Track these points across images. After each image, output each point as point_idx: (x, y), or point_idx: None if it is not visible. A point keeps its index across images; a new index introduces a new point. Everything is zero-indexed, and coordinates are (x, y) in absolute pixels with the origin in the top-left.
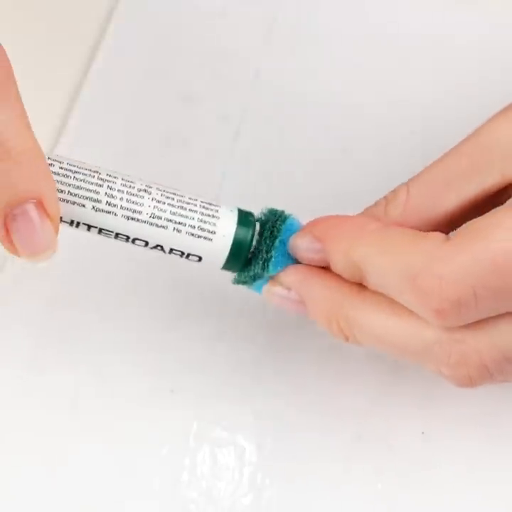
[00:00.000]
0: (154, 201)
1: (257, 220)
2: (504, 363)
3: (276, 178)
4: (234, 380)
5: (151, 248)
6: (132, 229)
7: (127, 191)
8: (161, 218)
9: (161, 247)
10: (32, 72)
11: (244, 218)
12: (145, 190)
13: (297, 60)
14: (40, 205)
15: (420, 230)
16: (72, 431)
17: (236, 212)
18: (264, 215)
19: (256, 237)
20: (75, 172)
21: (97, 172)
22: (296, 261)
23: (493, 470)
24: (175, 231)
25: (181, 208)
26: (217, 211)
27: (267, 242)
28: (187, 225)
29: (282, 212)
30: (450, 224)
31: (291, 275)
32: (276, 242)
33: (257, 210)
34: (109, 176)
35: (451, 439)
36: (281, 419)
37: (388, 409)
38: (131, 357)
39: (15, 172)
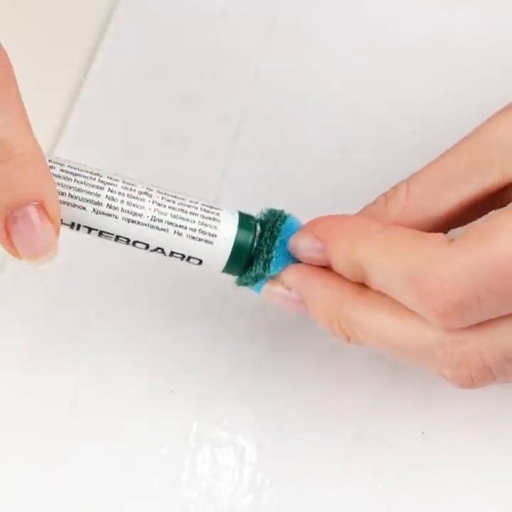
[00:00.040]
0: (155, 204)
1: (257, 221)
2: (506, 364)
3: (276, 178)
4: (234, 380)
5: (152, 251)
6: (133, 232)
7: (128, 194)
8: (161, 221)
9: (162, 250)
10: (32, 72)
11: (245, 221)
12: (146, 193)
13: (297, 60)
14: (41, 207)
15: (420, 229)
16: (72, 431)
17: (237, 216)
18: (264, 215)
19: (256, 238)
20: (76, 174)
21: (98, 175)
22: (296, 261)
23: (493, 470)
24: (175, 234)
25: (182, 210)
26: (218, 214)
27: (268, 242)
28: (188, 228)
29: (282, 211)
30: (450, 223)
31: (291, 274)
32: (277, 242)
33: (257, 211)
34: (110, 178)
35: (451, 440)
36: (281, 419)
37: (388, 409)
38: (131, 357)
39: (15, 174)
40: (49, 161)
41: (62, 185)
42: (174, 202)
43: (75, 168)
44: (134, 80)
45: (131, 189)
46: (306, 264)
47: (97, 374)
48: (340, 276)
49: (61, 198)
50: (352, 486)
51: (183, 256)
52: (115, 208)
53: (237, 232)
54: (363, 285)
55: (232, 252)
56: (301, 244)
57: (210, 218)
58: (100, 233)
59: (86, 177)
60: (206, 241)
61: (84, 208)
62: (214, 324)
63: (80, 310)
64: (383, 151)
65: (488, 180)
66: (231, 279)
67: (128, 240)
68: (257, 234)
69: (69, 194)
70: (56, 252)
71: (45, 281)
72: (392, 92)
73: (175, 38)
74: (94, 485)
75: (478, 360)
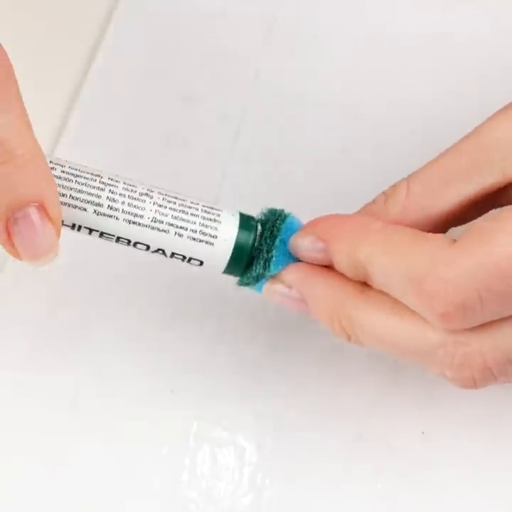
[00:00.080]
0: (156, 205)
1: (257, 221)
2: (507, 365)
3: (276, 178)
4: (234, 380)
5: (153, 252)
6: (134, 233)
7: (129, 195)
8: (162, 222)
9: (163, 251)
10: (32, 72)
11: (246, 222)
12: (147, 194)
13: (297, 60)
14: (41, 208)
15: (419, 227)
16: (72, 431)
17: (238, 217)
18: (264, 214)
19: (257, 238)
20: (77, 176)
21: (99, 176)
22: (296, 260)
23: (493, 470)
24: (176, 235)
25: (183, 212)
26: (218, 215)
27: (268, 241)
28: (188, 230)
29: (282, 211)
30: (450, 221)
31: (292, 273)
32: (277, 241)
33: (257, 211)
34: (111, 179)
35: (451, 440)
36: (281, 419)
37: (388, 409)
38: (131, 357)
39: (16, 174)
40: (50, 162)
41: (63, 187)
42: (175, 203)
43: (76, 170)
44: (134, 80)
45: (132, 190)
46: (307, 263)
47: (97, 374)
48: (341, 275)
49: (62, 199)
50: (352, 486)
51: (184, 257)
52: (116, 209)
53: (238, 233)
54: (364, 284)
55: (232, 254)
56: (302, 244)
57: (210, 219)
58: (101, 234)
59: (87, 178)
60: (207, 242)
61: (85, 209)
62: (214, 324)
63: (81, 310)
64: (383, 151)
65: (488, 179)
66: (231, 279)
67: (129, 241)
68: (258, 234)
69: (70, 195)
70: (57, 253)
71: (45, 282)
72: (392, 92)
73: (175, 38)
74: (94, 485)
75: (480, 362)
